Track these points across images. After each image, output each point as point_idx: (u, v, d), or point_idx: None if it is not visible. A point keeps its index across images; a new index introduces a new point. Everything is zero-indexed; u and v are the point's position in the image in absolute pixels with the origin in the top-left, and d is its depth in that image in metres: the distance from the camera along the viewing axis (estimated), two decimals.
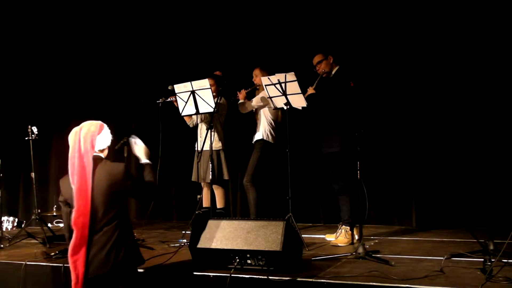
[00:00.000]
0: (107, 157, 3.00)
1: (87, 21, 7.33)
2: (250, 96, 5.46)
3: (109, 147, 3.03)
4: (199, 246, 3.62)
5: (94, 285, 2.75)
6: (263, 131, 5.29)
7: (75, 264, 2.70)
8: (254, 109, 5.40)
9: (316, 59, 4.82)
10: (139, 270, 3.32)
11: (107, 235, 2.76)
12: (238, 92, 5.42)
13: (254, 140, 5.37)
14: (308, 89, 4.77)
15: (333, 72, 4.78)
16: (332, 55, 4.79)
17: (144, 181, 3.02)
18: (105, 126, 3.01)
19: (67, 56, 7.50)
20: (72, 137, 2.91)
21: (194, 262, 3.69)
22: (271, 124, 5.32)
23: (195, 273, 3.49)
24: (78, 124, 3.05)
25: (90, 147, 2.83)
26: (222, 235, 3.58)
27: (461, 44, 5.34)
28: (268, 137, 5.28)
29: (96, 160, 2.84)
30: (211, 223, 3.71)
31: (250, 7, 6.33)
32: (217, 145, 5.35)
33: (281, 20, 6.18)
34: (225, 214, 5.49)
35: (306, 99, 4.67)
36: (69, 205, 2.83)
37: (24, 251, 4.76)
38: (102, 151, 2.95)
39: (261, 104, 5.30)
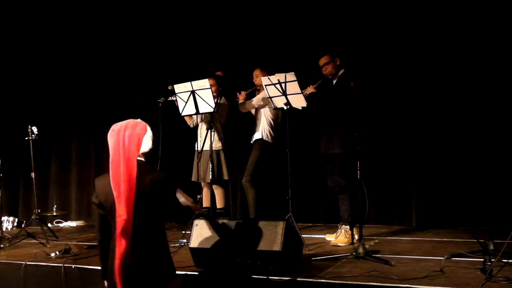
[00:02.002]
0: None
1: (88, 21, 7.33)
2: (250, 97, 5.45)
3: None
4: (199, 246, 3.62)
5: None
6: (262, 130, 5.29)
7: (124, 276, 2.47)
8: (254, 109, 5.39)
9: (323, 60, 4.78)
10: None
11: (147, 246, 2.58)
12: (238, 94, 5.41)
13: (253, 139, 5.36)
14: (308, 87, 4.75)
15: (338, 75, 4.76)
16: (335, 57, 4.77)
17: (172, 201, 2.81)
18: (149, 127, 2.75)
19: (67, 56, 7.50)
20: (114, 137, 2.59)
21: (194, 263, 3.69)
22: (270, 124, 5.32)
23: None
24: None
25: (135, 150, 2.57)
26: (222, 235, 3.59)
27: (460, 45, 5.34)
28: (268, 137, 5.28)
29: (140, 165, 2.59)
30: (210, 223, 3.71)
31: (250, 7, 6.33)
32: (217, 145, 5.35)
33: (282, 20, 6.18)
34: (225, 214, 5.49)
35: (307, 97, 4.67)
36: (104, 208, 2.63)
37: (24, 251, 4.76)
38: (143, 154, 2.70)
39: (261, 103, 5.30)
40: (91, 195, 7.52)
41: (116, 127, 2.64)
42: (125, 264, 2.47)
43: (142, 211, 2.54)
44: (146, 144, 2.68)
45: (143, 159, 2.68)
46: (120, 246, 2.46)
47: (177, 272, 3.58)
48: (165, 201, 2.65)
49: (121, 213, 2.46)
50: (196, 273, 3.56)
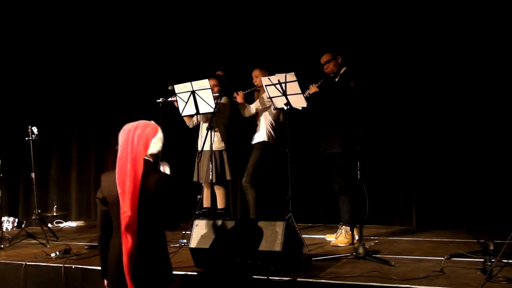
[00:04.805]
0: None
1: (88, 21, 7.32)
2: (249, 98, 5.43)
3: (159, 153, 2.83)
4: (199, 246, 3.62)
5: None
6: (264, 132, 5.26)
7: (132, 272, 2.51)
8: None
9: (324, 58, 4.76)
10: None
11: (149, 245, 2.60)
12: (235, 93, 5.37)
13: (255, 141, 5.34)
14: (310, 86, 4.74)
15: (340, 73, 4.76)
16: (337, 54, 4.75)
17: (177, 204, 2.79)
18: (160, 129, 2.83)
19: (67, 56, 7.49)
20: (124, 136, 2.68)
21: (194, 263, 3.69)
22: (272, 124, 5.30)
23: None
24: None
25: (143, 150, 2.65)
26: (222, 235, 3.59)
27: (460, 46, 5.34)
28: (269, 138, 5.26)
29: (146, 164, 2.66)
30: (210, 223, 3.71)
31: (250, 7, 6.33)
32: (220, 145, 5.34)
33: (282, 19, 6.18)
34: (226, 214, 5.48)
35: (310, 97, 4.66)
36: (107, 204, 2.69)
37: (24, 251, 4.76)
38: (152, 155, 2.76)
39: (260, 108, 5.27)
40: (91, 196, 7.50)
41: (127, 126, 2.71)
42: (133, 260, 2.51)
43: (145, 209, 2.58)
44: (155, 146, 2.76)
45: (150, 160, 2.74)
46: (127, 242, 2.51)
47: (177, 272, 3.61)
48: (168, 202, 2.67)
49: (125, 210, 2.52)
50: (196, 273, 3.57)
